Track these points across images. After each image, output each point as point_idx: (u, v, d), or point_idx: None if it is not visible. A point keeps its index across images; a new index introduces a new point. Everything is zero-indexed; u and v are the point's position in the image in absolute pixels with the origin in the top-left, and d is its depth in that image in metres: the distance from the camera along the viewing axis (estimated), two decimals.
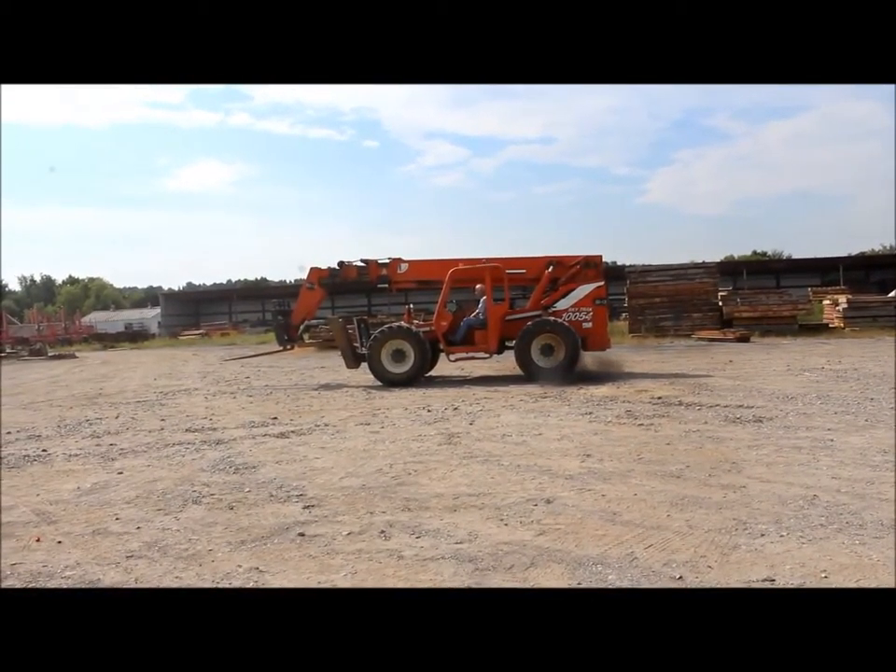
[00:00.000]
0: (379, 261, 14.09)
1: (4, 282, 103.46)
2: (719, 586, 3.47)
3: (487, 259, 13.58)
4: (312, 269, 14.33)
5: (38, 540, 4.57)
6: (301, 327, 15.07)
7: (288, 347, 15.05)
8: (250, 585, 3.72)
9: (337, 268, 14.25)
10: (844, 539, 4.04)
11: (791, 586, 3.45)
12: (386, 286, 14.39)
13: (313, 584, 3.70)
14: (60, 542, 4.54)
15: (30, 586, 3.64)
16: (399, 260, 14.01)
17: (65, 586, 3.72)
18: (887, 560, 3.69)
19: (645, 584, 3.54)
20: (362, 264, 14.19)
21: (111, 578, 3.87)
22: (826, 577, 3.52)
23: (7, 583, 3.84)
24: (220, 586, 3.61)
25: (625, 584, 3.55)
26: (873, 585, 3.42)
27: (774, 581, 3.49)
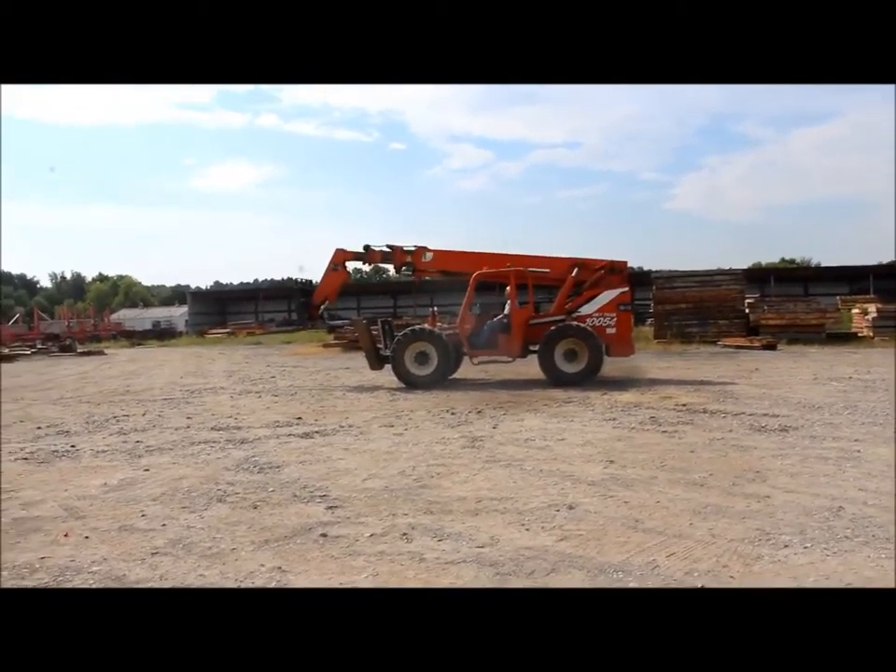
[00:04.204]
0: (404, 248, 14.26)
1: (35, 278, 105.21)
2: (719, 587, 3.47)
3: (512, 257, 13.62)
4: (337, 250, 14.50)
5: (66, 535, 4.65)
6: (322, 307, 15.15)
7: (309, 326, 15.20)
8: (272, 585, 3.76)
9: (363, 251, 14.41)
10: (870, 551, 4.00)
11: (791, 586, 3.44)
12: (410, 273, 14.57)
13: (334, 585, 3.73)
14: (87, 538, 4.61)
15: (30, 586, 3.71)
16: (425, 249, 14.18)
17: (66, 586, 3.77)
18: None
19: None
20: (387, 249, 14.34)
21: (136, 574, 3.93)
22: None
23: (37, 576, 3.91)
24: (219, 586, 3.64)
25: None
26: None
27: None
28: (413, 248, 14.19)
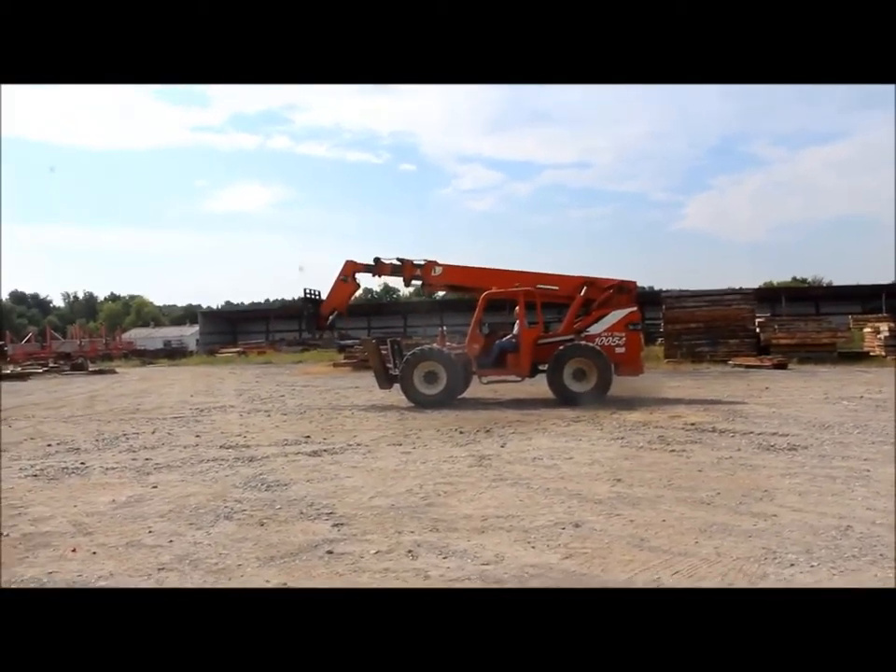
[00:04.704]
0: (414, 262, 14.39)
1: (48, 298, 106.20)
2: (721, 587, 3.47)
3: (521, 274, 13.68)
4: (347, 262, 14.59)
5: (74, 551, 4.67)
6: (331, 317, 15.13)
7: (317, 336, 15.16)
8: None
9: (373, 263, 14.53)
10: (877, 571, 3.97)
11: (792, 586, 3.43)
12: (419, 284, 14.79)
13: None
14: (94, 553, 4.64)
15: (29, 586, 3.73)
16: (435, 263, 14.32)
17: (65, 586, 3.79)
18: None
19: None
20: (397, 262, 14.45)
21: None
22: None
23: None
24: (215, 586, 3.66)
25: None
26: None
27: None
28: (422, 262, 14.33)
